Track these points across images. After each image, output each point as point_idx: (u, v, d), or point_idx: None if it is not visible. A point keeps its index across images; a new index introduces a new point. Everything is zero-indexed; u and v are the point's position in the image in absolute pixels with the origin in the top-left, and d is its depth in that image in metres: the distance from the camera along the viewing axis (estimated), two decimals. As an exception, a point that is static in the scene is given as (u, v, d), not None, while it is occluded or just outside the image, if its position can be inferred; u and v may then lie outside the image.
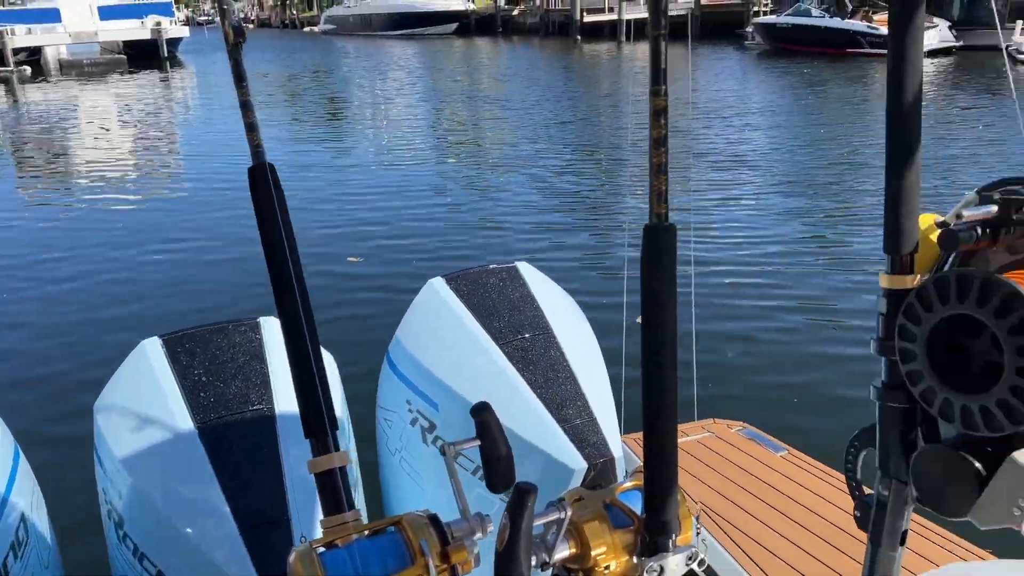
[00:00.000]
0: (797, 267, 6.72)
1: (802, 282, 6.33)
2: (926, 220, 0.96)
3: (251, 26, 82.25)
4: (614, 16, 39.57)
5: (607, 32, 40.39)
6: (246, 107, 1.07)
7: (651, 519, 0.98)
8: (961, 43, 25.49)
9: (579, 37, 40.37)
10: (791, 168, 10.90)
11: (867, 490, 1.11)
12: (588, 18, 41.12)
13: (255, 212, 1.06)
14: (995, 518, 0.86)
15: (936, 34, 25.39)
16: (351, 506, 0.99)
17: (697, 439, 3.08)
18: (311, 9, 74.94)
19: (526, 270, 2.31)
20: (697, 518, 1.01)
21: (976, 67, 22.75)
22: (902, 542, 1.08)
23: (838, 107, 16.49)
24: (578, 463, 1.81)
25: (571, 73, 27.30)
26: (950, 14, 27.50)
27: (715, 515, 2.50)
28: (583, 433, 1.89)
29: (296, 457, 1.63)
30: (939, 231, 0.92)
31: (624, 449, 1.99)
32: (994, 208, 0.87)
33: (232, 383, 1.80)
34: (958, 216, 0.88)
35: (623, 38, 37.54)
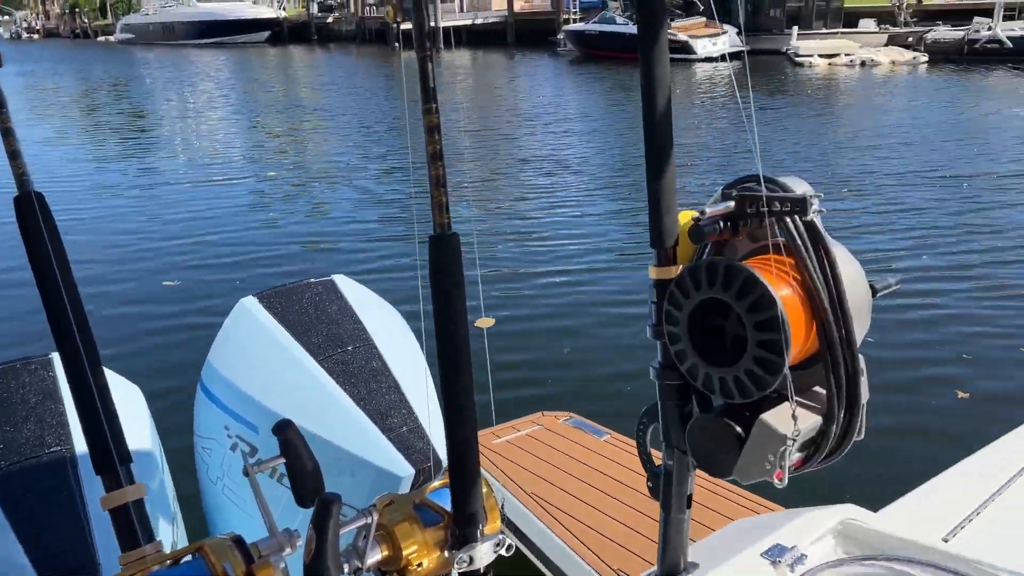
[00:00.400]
0: (611, 264, 7.10)
1: (615, 278, 6.69)
2: (686, 216, 1.07)
3: (36, 36, 75.35)
4: (432, 23, 39.83)
5: (425, 39, 40.60)
6: (7, 134, 1.02)
7: (458, 513, 1.02)
8: (749, 47, 27.88)
9: (397, 44, 40.33)
10: (605, 170, 11.47)
11: (659, 461, 1.22)
12: (405, 25, 41.04)
13: (24, 244, 1.01)
14: (754, 473, 0.97)
15: (727, 39, 27.62)
16: (150, 539, 0.96)
17: (527, 433, 3.19)
18: (104, 17, 69.67)
19: (343, 283, 2.30)
20: (503, 506, 1.07)
21: (765, 68, 24.99)
22: (688, 505, 1.19)
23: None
24: (405, 470, 1.84)
25: (392, 81, 27.21)
26: (738, 21, 30.02)
27: (545, 502, 2.60)
28: (409, 440, 1.91)
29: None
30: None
31: None
32: (732, 204, 0.99)
33: (24, 426, 1.67)
34: (703, 212, 0.99)
35: (441, 45, 37.96)
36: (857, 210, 8.45)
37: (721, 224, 0.98)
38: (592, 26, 31.10)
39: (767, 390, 0.93)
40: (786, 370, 0.91)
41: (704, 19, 28.85)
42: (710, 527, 2.22)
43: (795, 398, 0.97)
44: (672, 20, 28.49)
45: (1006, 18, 23.44)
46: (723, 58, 26.92)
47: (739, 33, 28.32)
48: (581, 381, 4.80)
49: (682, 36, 27.49)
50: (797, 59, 25.05)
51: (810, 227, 0.95)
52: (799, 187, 1.00)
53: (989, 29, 23.08)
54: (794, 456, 0.98)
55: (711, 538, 1.19)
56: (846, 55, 24.79)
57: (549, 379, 4.81)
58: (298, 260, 7.44)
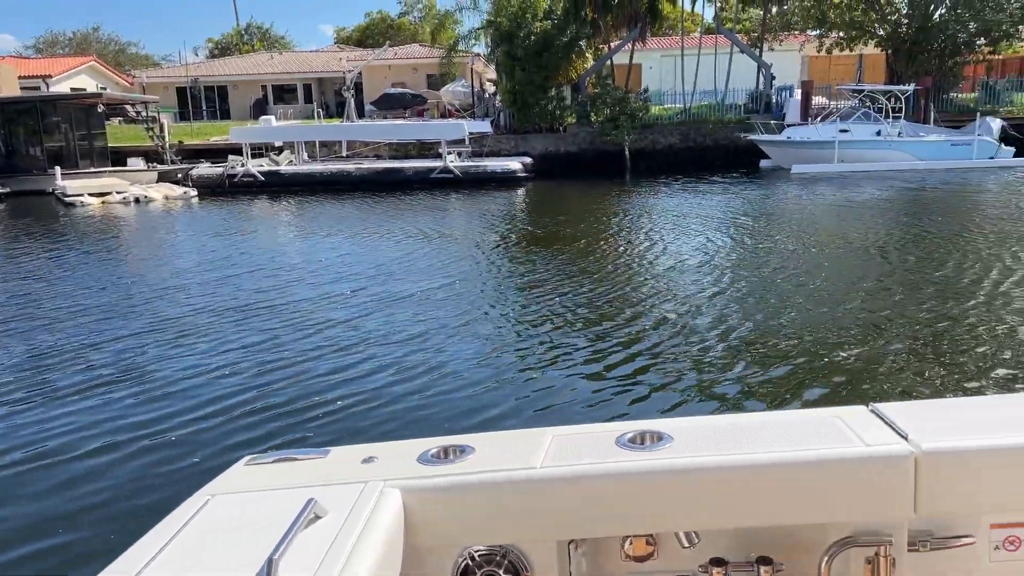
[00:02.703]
0: None
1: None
2: None
3: None
4: None
5: None
6: None
7: None
8: (8, 190, 25.55)
9: None
10: None
11: None
12: None
13: None
14: None
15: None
16: None
17: None
18: None
19: None
20: None
21: (33, 210, 23.21)
22: None
23: None
24: None
25: None
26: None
27: None
28: None
29: None
30: None
31: None
32: None
33: None
34: None
35: None
36: (200, 353, 8.58)
37: None
38: None
39: None
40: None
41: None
42: None
43: None
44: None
45: (255, 156, 27.11)
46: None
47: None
48: None
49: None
50: (67, 199, 24.02)
51: None
52: None
53: (243, 165, 26.28)
54: None
55: None
56: (118, 192, 24.86)
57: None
58: None
